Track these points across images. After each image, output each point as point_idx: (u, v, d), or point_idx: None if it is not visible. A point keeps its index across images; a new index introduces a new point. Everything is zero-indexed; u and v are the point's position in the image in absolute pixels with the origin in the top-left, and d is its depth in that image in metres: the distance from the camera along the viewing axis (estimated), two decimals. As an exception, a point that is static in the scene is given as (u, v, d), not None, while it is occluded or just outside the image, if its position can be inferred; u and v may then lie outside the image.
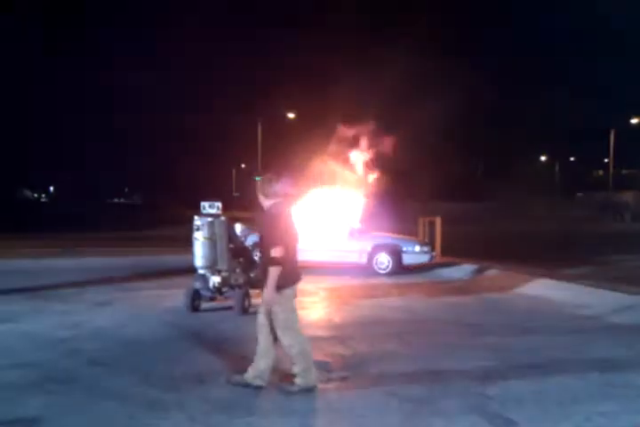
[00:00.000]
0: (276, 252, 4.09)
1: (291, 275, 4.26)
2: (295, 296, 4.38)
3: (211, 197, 7.36)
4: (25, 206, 40.10)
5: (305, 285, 9.86)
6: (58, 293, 8.69)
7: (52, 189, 66.45)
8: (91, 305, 7.71)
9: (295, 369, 4.26)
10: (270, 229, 4.22)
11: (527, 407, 4.02)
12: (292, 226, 4.32)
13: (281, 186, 4.40)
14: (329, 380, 4.56)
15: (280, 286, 4.15)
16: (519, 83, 57.46)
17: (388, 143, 13.31)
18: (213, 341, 5.81)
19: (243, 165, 54.86)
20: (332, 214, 12.07)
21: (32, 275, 10.56)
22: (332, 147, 13.65)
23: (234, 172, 58.63)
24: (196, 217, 7.12)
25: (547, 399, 4.18)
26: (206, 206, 7.19)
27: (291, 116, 35.27)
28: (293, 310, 4.34)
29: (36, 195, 68.75)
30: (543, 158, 58.88)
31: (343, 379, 4.63)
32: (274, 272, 4.09)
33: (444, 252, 13.36)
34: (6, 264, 11.78)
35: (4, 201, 38.13)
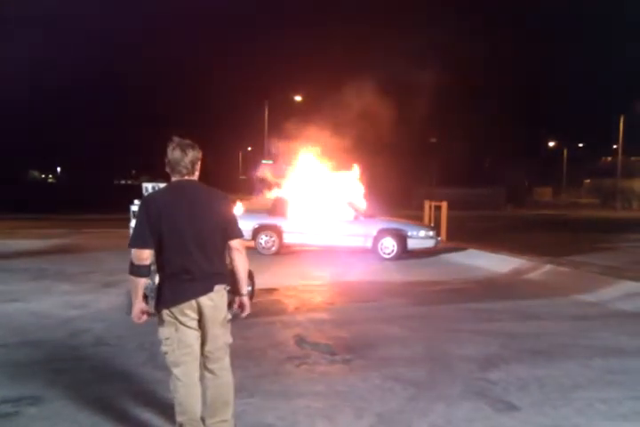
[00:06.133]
0: (132, 254, 2.83)
1: (169, 290, 2.88)
2: (182, 323, 2.89)
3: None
4: (35, 188, 40.22)
5: (309, 268, 10.00)
6: (65, 273, 8.78)
7: (59, 169, 66.48)
8: (98, 286, 7.79)
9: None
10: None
11: (529, 392, 4.05)
12: (170, 221, 2.83)
13: (173, 158, 2.90)
14: (332, 362, 4.60)
15: (156, 304, 2.92)
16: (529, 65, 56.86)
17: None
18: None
19: (249, 148, 54.69)
20: (338, 198, 12.07)
21: (40, 255, 10.67)
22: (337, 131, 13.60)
23: (240, 155, 58.47)
24: (135, 201, 5.80)
25: (549, 385, 4.20)
26: (149, 189, 6.07)
27: (298, 98, 34.96)
28: (174, 342, 2.91)
29: (43, 176, 68.85)
30: (551, 144, 58.42)
31: (345, 362, 4.67)
32: (130, 282, 2.90)
33: (450, 237, 13.36)
34: (15, 244, 11.89)
35: (16, 183, 38.26)
